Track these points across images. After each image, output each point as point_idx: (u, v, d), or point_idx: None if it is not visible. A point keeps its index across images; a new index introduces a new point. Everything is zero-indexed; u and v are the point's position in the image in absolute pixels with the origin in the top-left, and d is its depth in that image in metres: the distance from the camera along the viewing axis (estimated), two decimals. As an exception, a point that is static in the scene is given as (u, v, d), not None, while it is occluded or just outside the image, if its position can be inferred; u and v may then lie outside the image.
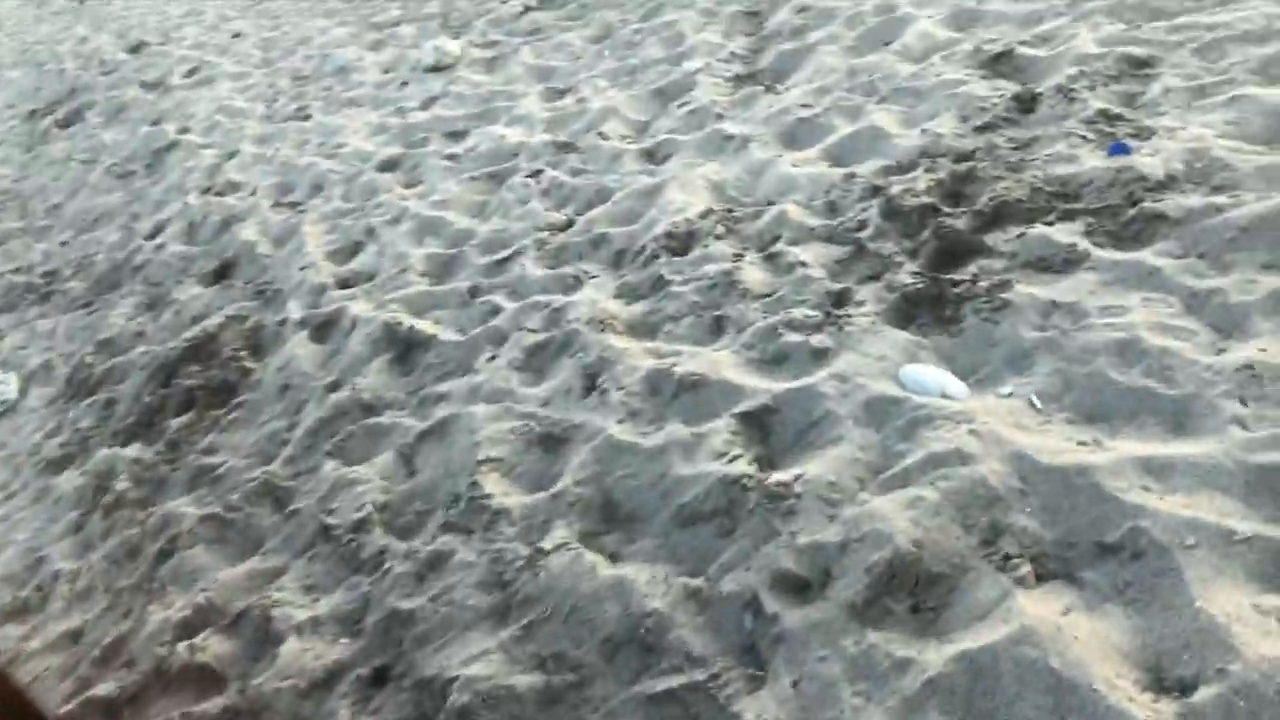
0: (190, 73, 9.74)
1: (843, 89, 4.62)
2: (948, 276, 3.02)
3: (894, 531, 2.24)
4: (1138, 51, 3.88)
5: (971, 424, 2.45)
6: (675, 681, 2.20)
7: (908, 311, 2.99)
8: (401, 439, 3.54)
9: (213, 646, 3.00)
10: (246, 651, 2.97)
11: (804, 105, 4.57)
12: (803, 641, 2.15)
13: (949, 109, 4.01)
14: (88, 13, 14.68)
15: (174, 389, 4.66)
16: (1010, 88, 3.99)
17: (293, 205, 6.02)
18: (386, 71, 7.78)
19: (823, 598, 2.22)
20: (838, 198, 3.74)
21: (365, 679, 2.67)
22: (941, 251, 3.18)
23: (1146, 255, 2.81)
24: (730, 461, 2.65)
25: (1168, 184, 3.05)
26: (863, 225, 3.48)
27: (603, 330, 3.52)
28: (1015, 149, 3.54)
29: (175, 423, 4.43)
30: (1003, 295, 2.82)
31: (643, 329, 3.51)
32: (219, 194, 6.65)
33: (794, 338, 3.06)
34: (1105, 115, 3.50)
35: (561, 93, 6.03)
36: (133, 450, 4.36)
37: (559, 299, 3.88)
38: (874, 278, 3.21)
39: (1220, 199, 2.90)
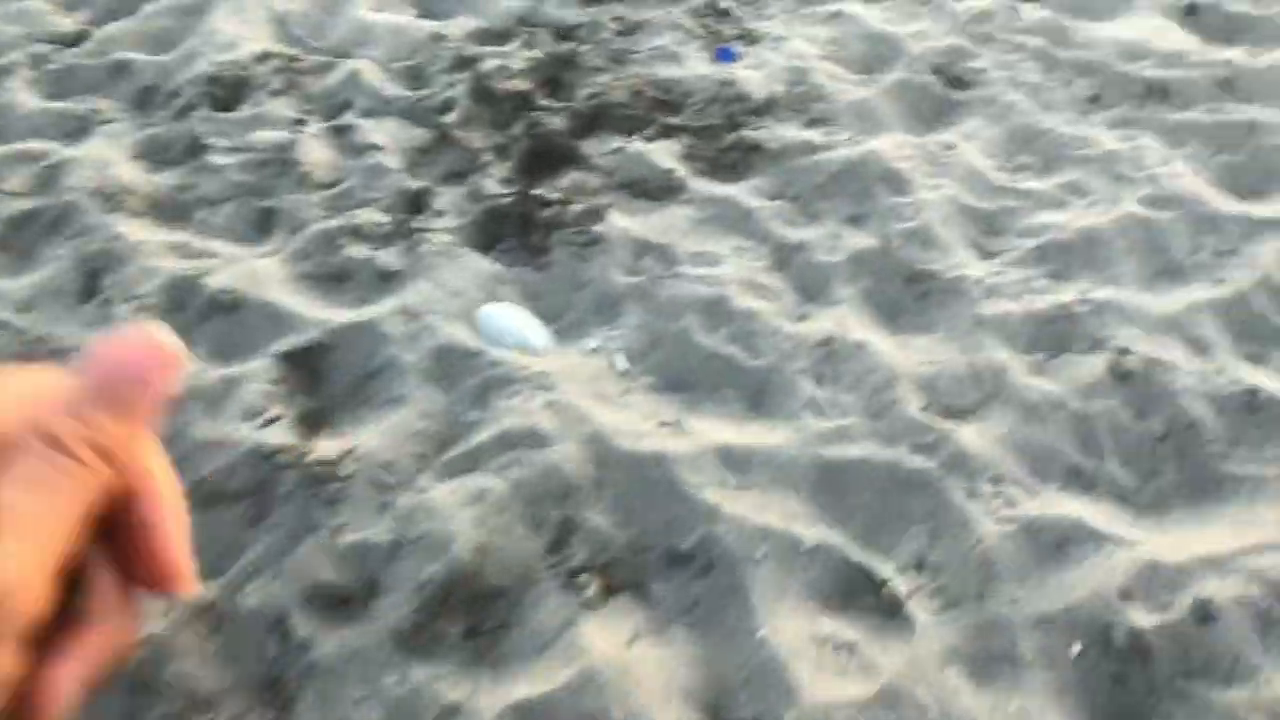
0: None
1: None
2: (538, 193, 2.63)
3: (454, 534, 1.91)
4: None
5: (550, 392, 2.14)
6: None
7: (493, 231, 2.58)
8: None
9: None
10: None
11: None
12: (338, 677, 1.79)
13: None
14: None
15: None
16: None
17: None
18: None
19: (367, 618, 1.87)
20: (423, 62, 3.16)
21: None
22: (534, 155, 2.77)
23: (742, 192, 2.60)
24: (266, 425, 2.15)
25: (767, 108, 2.84)
26: (448, 106, 2.96)
27: (113, 208, 2.75)
28: (620, 34, 3.16)
29: None
30: (595, 228, 2.50)
31: (168, 211, 2.78)
32: None
33: (358, 251, 2.55)
34: (714, 8, 3.21)
35: None
36: None
37: (56, 149, 2.99)
38: (458, 178, 2.74)
39: (815, 135, 2.75)
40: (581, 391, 2.18)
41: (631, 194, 2.62)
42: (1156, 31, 3.13)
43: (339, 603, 1.89)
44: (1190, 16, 3.20)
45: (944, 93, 2.97)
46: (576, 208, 2.56)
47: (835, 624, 1.83)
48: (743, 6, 3.22)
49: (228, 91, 3.13)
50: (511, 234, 2.56)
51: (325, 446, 2.12)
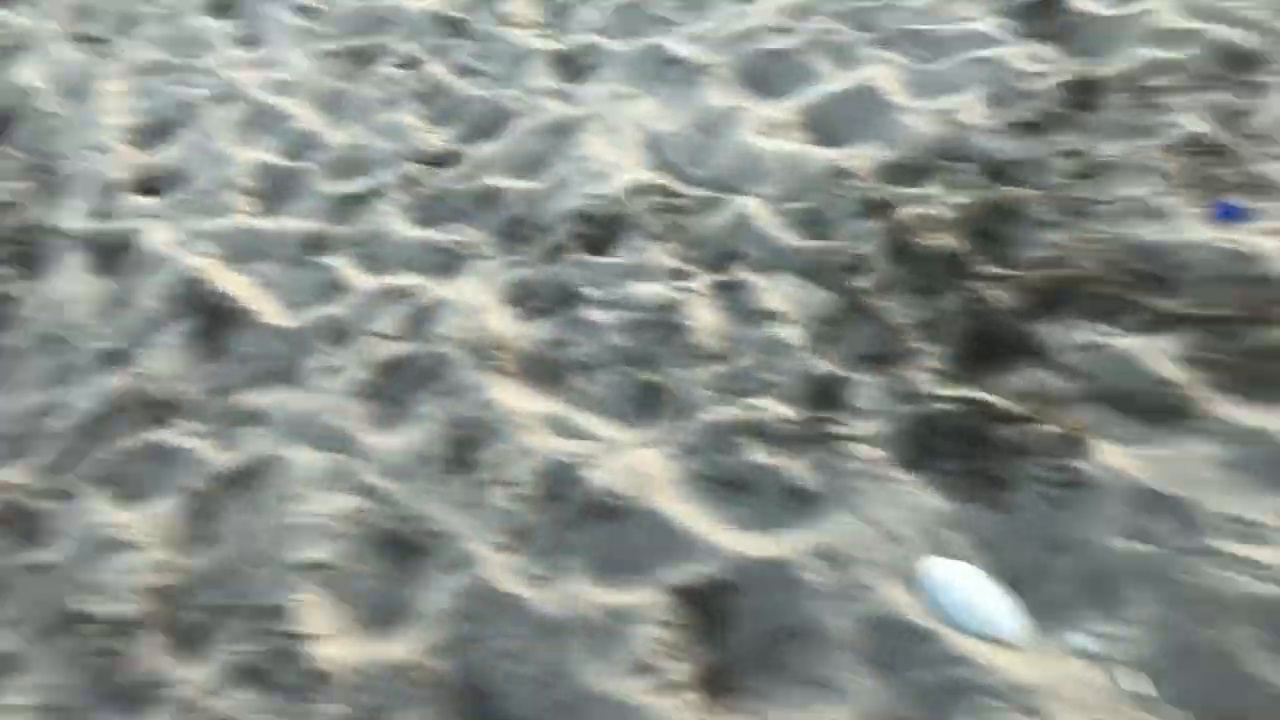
0: None
1: (830, 10, 3.46)
2: (989, 399, 2.06)
3: None
4: None
5: (1035, 718, 1.57)
6: None
7: (930, 446, 2.04)
8: (195, 478, 2.45)
9: None
10: None
11: (778, 28, 3.41)
12: None
13: (975, 82, 2.95)
14: None
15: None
16: (1064, 62, 2.95)
17: (93, 40, 4.51)
18: None
19: None
20: (822, 205, 2.69)
21: None
22: (976, 340, 2.21)
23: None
24: (660, 691, 1.72)
25: (1296, 289, 2.14)
26: (858, 264, 2.46)
27: (484, 365, 2.45)
28: (1077, 176, 2.54)
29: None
30: (1075, 462, 1.90)
31: (542, 374, 2.46)
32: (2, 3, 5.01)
33: (760, 456, 2.09)
34: (1202, 143, 2.52)
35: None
36: None
37: (428, 285, 2.77)
38: (877, 363, 2.23)
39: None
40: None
41: (1120, 412, 1.99)
42: None
43: None
44: None
45: None
46: (1045, 428, 1.97)
47: None
48: (1243, 140, 2.51)
49: (600, 230, 2.80)
50: (955, 453, 2.01)
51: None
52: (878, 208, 2.59)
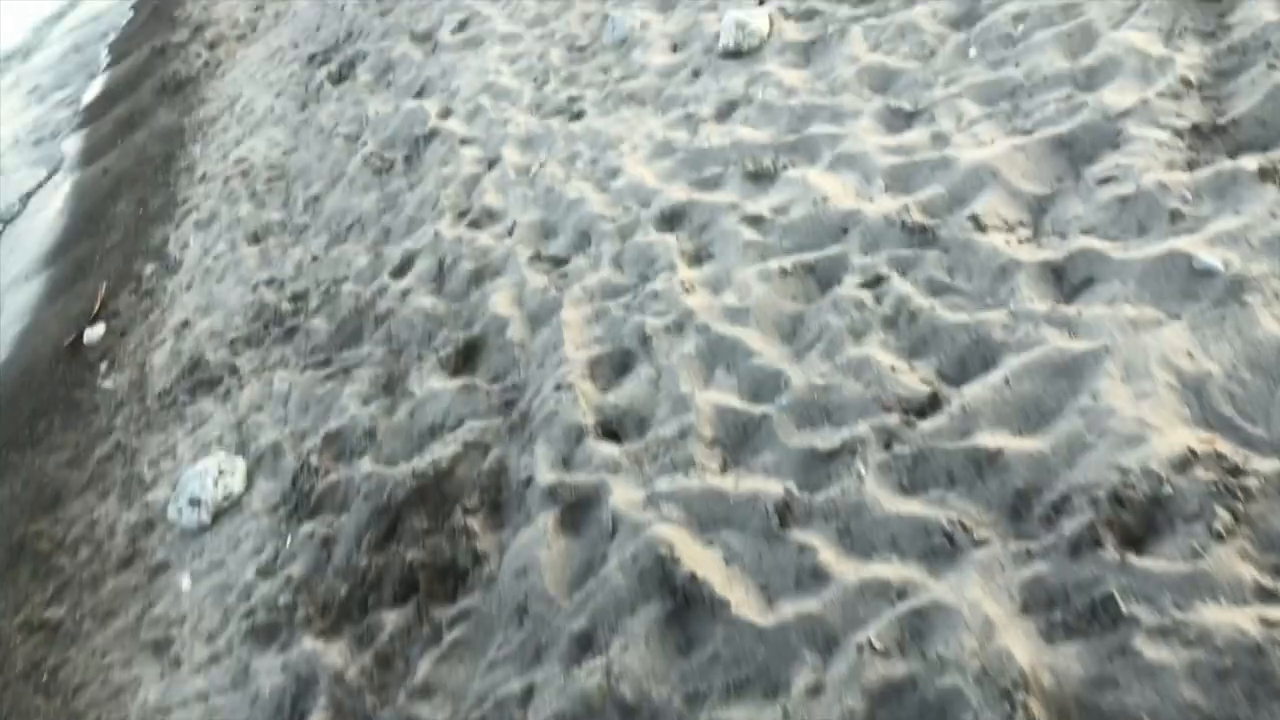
0: (461, 25, 8.74)
1: None
2: None
3: None
4: None
5: None
6: None
7: None
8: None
9: None
10: None
11: (1346, 221, 2.78)
12: None
13: None
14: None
15: (393, 555, 3.70)
16: None
17: (554, 262, 4.86)
18: (675, 49, 6.36)
19: None
20: None
21: None
22: None
23: None
24: None
25: None
26: None
27: (1008, 709, 2.08)
28: None
29: (390, 618, 3.46)
30: None
31: (1085, 734, 2.04)
32: (474, 224, 5.62)
33: None
34: None
35: (908, 117, 4.40)
36: (335, 654, 3.44)
37: (920, 580, 2.47)
38: None
39: None
40: None
41: None
42: None
43: None
44: None
45: None
46: None
47: None
48: None
49: (1138, 519, 2.34)
50: None
51: None
52: None
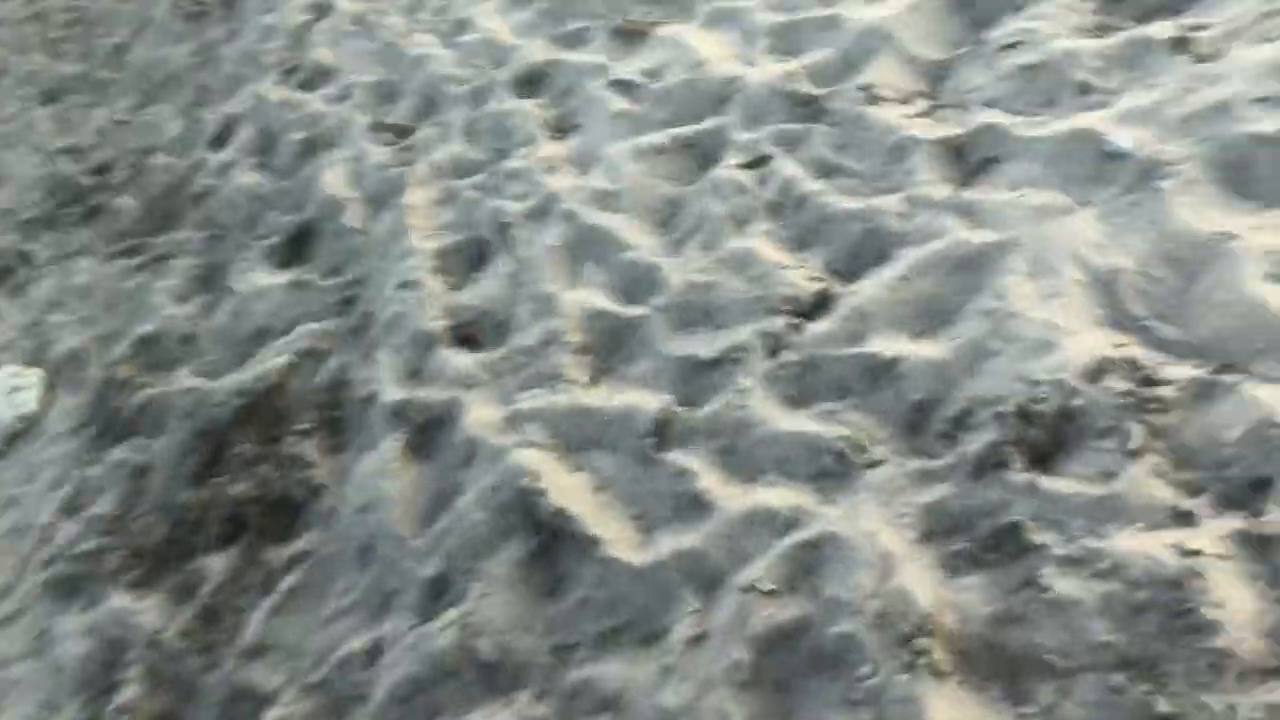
0: None
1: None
2: None
3: None
4: None
5: None
6: None
7: None
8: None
9: None
10: None
11: (1266, 98, 2.66)
12: None
13: None
14: None
15: (218, 489, 3.41)
16: None
17: (397, 132, 4.47)
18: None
19: None
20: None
21: None
22: None
23: None
24: None
25: None
26: None
27: (909, 654, 2.00)
28: None
29: (215, 565, 3.21)
30: None
31: (992, 674, 1.97)
32: (303, 84, 5.14)
33: None
34: None
35: (793, -33, 4.11)
36: (151, 610, 3.17)
37: (811, 507, 2.35)
38: None
39: None
40: None
41: None
42: None
43: None
44: None
45: None
46: None
47: None
48: None
49: (1048, 435, 2.25)
50: None
51: None
52: None
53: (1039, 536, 2.10)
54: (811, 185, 3.09)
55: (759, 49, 3.75)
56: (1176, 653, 1.85)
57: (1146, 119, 2.77)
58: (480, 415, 3.00)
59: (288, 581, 3.01)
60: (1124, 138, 2.75)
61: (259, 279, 4.16)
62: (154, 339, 4.29)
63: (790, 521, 2.35)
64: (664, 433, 2.71)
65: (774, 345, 2.75)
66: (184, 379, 3.98)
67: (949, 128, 3.07)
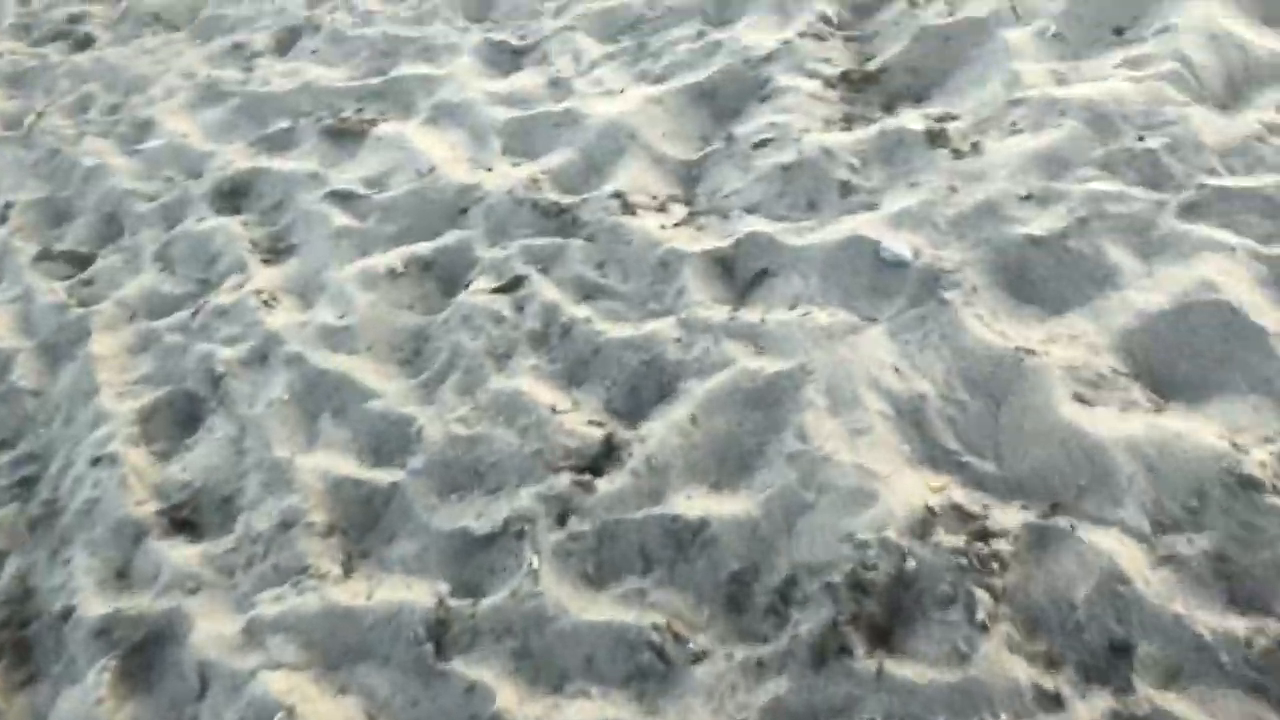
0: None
1: (1096, 159, 2.56)
2: None
3: None
4: None
5: None
6: None
7: None
8: None
9: None
10: None
11: (1032, 197, 2.51)
12: None
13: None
14: None
15: None
16: None
17: (72, 261, 3.70)
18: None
19: None
20: (1235, 531, 1.82)
21: None
22: None
23: None
24: None
25: None
26: None
27: None
28: None
29: None
30: None
31: None
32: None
33: None
34: None
35: (515, 54, 3.71)
36: None
37: (637, 721, 1.94)
38: None
39: None
40: None
41: None
42: None
43: None
44: None
45: None
46: None
47: None
48: None
49: (885, 608, 1.95)
50: None
51: None
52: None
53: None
54: (576, 310, 2.69)
55: (492, 150, 3.32)
56: None
57: (918, 222, 2.57)
58: (211, 628, 2.38)
59: None
60: (900, 244, 2.53)
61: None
62: None
63: (612, 746, 1.93)
64: (442, 635, 2.21)
65: (561, 511, 2.32)
66: None
67: (713, 238, 2.76)
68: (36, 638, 2.66)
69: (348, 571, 2.43)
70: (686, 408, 2.39)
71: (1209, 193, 2.42)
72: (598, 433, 2.45)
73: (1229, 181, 2.44)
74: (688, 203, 2.91)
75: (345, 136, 3.64)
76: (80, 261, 3.70)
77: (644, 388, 2.52)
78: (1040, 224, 2.45)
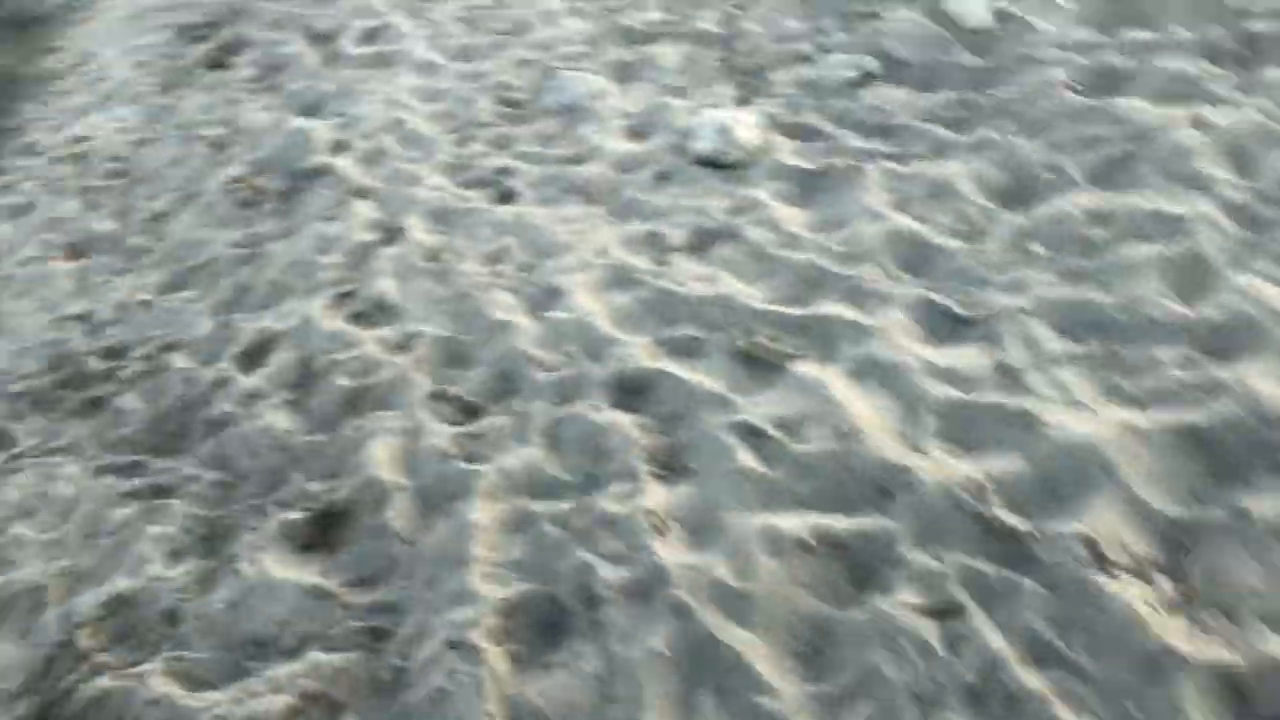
0: (369, 35, 7.30)
1: None
2: None
3: None
4: None
5: None
6: None
7: None
8: None
9: None
10: None
11: None
12: None
13: None
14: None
15: None
16: None
17: (464, 410, 3.59)
18: (635, 136, 5.19)
19: None
20: None
21: None
22: None
23: None
24: None
25: None
26: None
27: None
28: None
29: None
30: None
31: None
32: (359, 316, 4.28)
33: None
34: None
35: (957, 323, 3.36)
36: None
37: None
38: None
39: None
40: None
41: None
42: None
43: None
44: None
45: None
46: None
47: None
48: None
49: None
50: None
51: None
52: None
53: None
54: (1025, 676, 2.21)
55: (925, 429, 2.94)
56: None
57: None
58: None
59: None
60: None
61: (271, 566, 3.18)
62: (131, 602, 3.27)
63: None
64: None
65: None
66: (155, 679, 2.95)
67: (1219, 647, 2.21)
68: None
69: None
70: None
71: None
72: None
73: None
74: (1174, 577, 2.39)
75: (759, 364, 3.38)
76: (471, 411, 3.59)
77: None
78: None
